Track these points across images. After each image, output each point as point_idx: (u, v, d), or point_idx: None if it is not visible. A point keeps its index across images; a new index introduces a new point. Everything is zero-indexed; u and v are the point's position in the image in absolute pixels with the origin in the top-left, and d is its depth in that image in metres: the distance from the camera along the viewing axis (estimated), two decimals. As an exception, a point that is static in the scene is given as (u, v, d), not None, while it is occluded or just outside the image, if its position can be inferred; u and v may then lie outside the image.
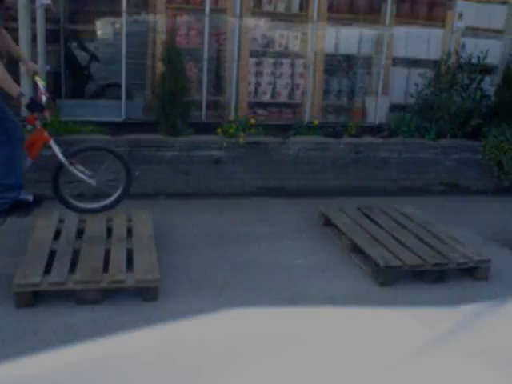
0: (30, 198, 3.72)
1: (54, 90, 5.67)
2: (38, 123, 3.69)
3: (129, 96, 5.75)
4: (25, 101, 3.52)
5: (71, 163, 3.81)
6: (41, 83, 3.81)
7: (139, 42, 5.73)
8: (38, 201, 3.78)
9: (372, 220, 4.75)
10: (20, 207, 3.65)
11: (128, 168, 4.03)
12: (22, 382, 0.95)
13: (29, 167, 3.78)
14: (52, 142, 3.74)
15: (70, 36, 6.22)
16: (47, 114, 3.71)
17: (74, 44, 6.29)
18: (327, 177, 5.87)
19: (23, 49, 5.30)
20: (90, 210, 4.12)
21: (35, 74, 3.86)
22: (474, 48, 6.37)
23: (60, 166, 3.80)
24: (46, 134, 3.74)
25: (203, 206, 5.29)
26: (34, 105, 3.57)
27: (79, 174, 3.85)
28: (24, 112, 3.98)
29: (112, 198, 4.08)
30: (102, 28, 6.34)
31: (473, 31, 6.63)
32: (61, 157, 3.75)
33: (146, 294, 3.47)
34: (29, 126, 3.88)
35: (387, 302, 3.68)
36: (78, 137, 5.21)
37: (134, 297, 3.49)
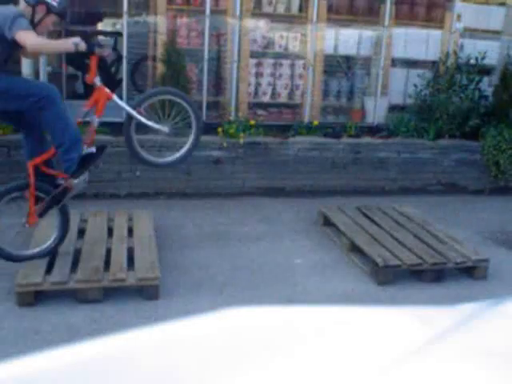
0: (93, 150, 3.66)
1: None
2: (97, 80, 3.61)
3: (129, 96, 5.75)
4: (83, 46, 3.46)
5: (139, 112, 3.70)
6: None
7: (140, 43, 5.73)
8: (102, 149, 3.74)
9: (371, 219, 4.76)
10: (87, 161, 3.62)
11: (196, 112, 3.90)
12: (24, 381, 0.95)
13: (98, 124, 3.73)
14: (115, 97, 3.69)
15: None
16: (106, 51, 3.73)
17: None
18: (326, 177, 5.87)
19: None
20: (165, 164, 4.04)
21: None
22: (473, 49, 6.37)
23: (130, 118, 3.73)
24: (107, 90, 3.66)
25: (203, 205, 5.29)
26: (90, 45, 3.50)
27: (149, 123, 3.74)
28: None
29: (184, 150, 3.96)
30: (104, 29, 6.34)
31: (471, 32, 6.63)
32: (128, 108, 3.70)
33: (147, 292, 3.48)
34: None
35: (386, 300, 3.69)
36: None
37: (134, 295, 3.49)
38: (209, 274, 3.91)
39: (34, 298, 3.33)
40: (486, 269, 4.15)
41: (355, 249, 4.32)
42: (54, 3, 3.44)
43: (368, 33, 6.34)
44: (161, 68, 5.48)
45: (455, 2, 6.44)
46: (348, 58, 6.48)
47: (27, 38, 3.28)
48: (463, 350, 1.03)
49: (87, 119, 3.65)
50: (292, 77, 6.23)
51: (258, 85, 6.14)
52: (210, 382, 0.96)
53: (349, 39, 6.30)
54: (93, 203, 5.01)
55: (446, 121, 6.15)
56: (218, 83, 6.14)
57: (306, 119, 6.17)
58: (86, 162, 3.59)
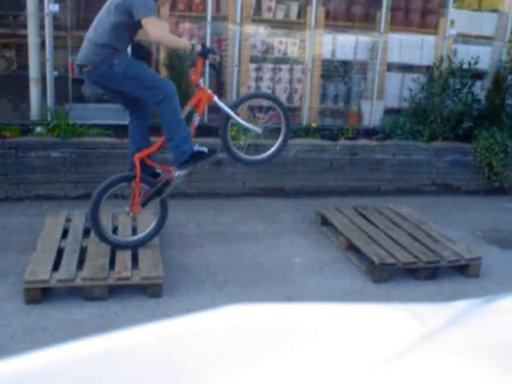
0: (205, 149, 3.79)
1: (62, 95, 5.66)
2: (201, 82, 3.81)
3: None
4: (199, 49, 3.64)
5: (236, 113, 3.88)
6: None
7: (143, 48, 5.72)
8: (213, 152, 3.87)
9: (367, 219, 4.76)
10: (196, 158, 3.75)
11: (287, 116, 4.07)
12: (31, 376, 0.95)
13: (198, 123, 3.89)
14: (216, 98, 3.84)
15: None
16: (217, 57, 3.90)
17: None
18: (324, 178, 5.87)
19: (32, 54, 5.32)
20: (255, 162, 4.25)
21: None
22: (466, 54, 6.37)
23: (227, 118, 3.88)
24: (209, 91, 3.85)
25: (205, 205, 5.29)
26: (206, 49, 3.71)
27: (245, 123, 3.94)
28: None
29: (273, 149, 4.18)
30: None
31: (464, 38, 6.63)
32: (227, 109, 3.83)
33: (151, 290, 3.48)
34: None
35: (381, 298, 3.69)
36: (86, 139, 5.22)
37: (139, 293, 3.49)
38: (210, 273, 3.91)
39: (41, 294, 3.33)
40: (479, 267, 4.15)
41: (352, 248, 4.32)
42: None
43: (364, 38, 6.34)
44: (163, 72, 5.48)
45: (449, 9, 6.44)
46: (345, 63, 6.48)
47: (154, 28, 3.40)
48: (457, 346, 1.03)
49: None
50: (291, 81, 6.23)
51: (257, 89, 6.14)
52: (210, 376, 0.96)
53: (346, 44, 6.30)
54: (98, 203, 5.01)
55: (440, 124, 6.15)
56: (219, 87, 6.14)
57: (305, 122, 6.17)
58: (195, 158, 3.73)
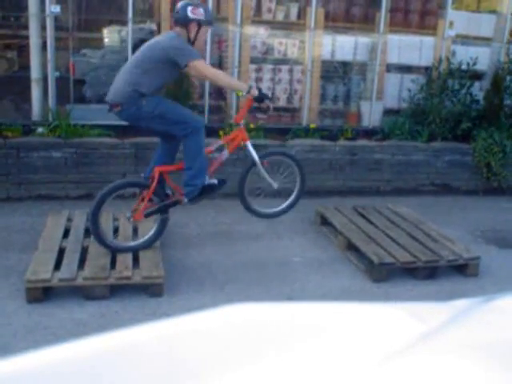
0: (215, 181, 3.90)
1: (63, 95, 5.67)
2: (242, 123, 3.99)
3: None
4: (255, 93, 3.76)
5: (262, 163, 4.03)
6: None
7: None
8: (223, 183, 3.98)
9: (366, 219, 4.76)
10: (207, 191, 3.85)
11: (303, 175, 4.27)
12: (33, 375, 0.95)
13: (225, 159, 4.06)
14: (248, 143, 4.00)
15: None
16: (270, 105, 4.01)
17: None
18: (324, 178, 5.87)
19: (34, 55, 5.32)
20: (267, 215, 4.39)
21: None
22: (464, 55, 6.37)
23: (252, 165, 4.05)
24: (246, 134, 4.01)
25: (205, 205, 5.28)
26: (262, 95, 3.85)
27: (266, 175, 4.08)
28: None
29: (286, 203, 4.35)
30: (109, 36, 6.34)
31: (463, 39, 6.63)
32: (256, 157, 3.99)
33: (152, 290, 3.48)
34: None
35: (380, 297, 3.69)
36: (87, 140, 5.22)
37: (139, 293, 3.49)
38: (210, 272, 3.91)
39: (43, 294, 3.33)
40: (477, 266, 4.15)
41: (351, 247, 4.32)
42: (202, 17, 3.65)
43: (364, 39, 6.34)
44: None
45: (447, 10, 6.44)
46: (344, 64, 6.49)
47: (206, 68, 3.66)
48: (455, 345, 1.03)
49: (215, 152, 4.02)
50: (290, 82, 6.23)
51: (257, 89, 6.14)
52: (211, 376, 0.96)
53: (345, 45, 6.31)
54: (99, 203, 5.01)
55: (439, 124, 6.15)
56: (219, 88, 6.14)
57: (304, 122, 6.17)
58: (205, 191, 3.83)
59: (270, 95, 3.88)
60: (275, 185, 4.14)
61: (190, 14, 3.60)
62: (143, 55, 3.63)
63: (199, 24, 3.64)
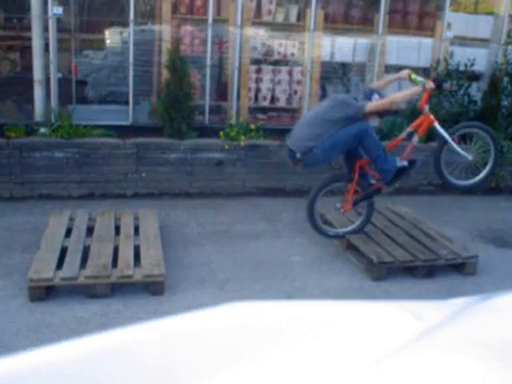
0: (405, 163, 4.13)
1: (65, 96, 5.67)
2: (426, 108, 4.09)
3: (135, 101, 5.75)
4: (431, 85, 3.97)
5: (453, 139, 4.11)
6: (418, 77, 4.13)
7: (146, 51, 5.73)
8: (414, 163, 4.17)
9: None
10: (400, 173, 4.09)
11: (496, 144, 4.34)
12: (36, 372, 0.95)
13: (417, 142, 4.22)
14: (436, 124, 4.11)
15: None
16: (449, 84, 4.29)
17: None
18: (323, 177, 5.85)
19: (36, 56, 5.31)
20: (464, 186, 4.49)
21: (408, 74, 4.17)
22: (462, 56, 6.37)
23: (443, 143, 4.13)
24: (432, 116, 4.12)
25: (206, 205, 5.29)
26: (440, 80, 4.11)
27: (459, 150, 4.13)
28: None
29: (481, 175, 4.41)
30: (111, 37, 6.34)
31: (461, 40, 6.62)
32: (445, 134, 4.08)
33: (153, 288, 3.48)
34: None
35: (380, 295, 3.69)
36: (89, 140, 5.22)
37: (141, 291, 3.49)
38: (211, 271, 3.90)
39: (45, 292, 3.33)
40: (476, 265, 4.15)
41: (351, 246, 4.32)
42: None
43: (363, 41, 6.33)
44: (165, 74, 5.48)
45: (445, 12, 6.44)
46: (344, 65, 6.48)
47: (380, 103, 3.94)
48: (454, 343, 1.03)
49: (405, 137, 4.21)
50: (290, 82, 6.22)
51: (257, 90, 6.14)
52: (211, 373, 0.96)
53: (344, 47, 6.30)
54: (101, 203, 5.02)
55: (437, 124, 6.14)
56: (219, 88, 6.14)
57: (304, 123, 6.16)
58: (399, 173, 4.08)
59: (423, 80, 4.09)
60: (470, 157, 4.20)
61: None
62: (325, 114, 3.99)
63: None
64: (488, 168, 4.42)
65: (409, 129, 4.19)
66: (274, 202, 5.54)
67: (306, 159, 4.01)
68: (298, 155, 3.99)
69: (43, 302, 3.29)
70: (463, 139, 4.52)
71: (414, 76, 4.12)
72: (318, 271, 4.02)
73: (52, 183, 5.17)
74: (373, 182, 4.22)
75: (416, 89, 4.03)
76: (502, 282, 3.99)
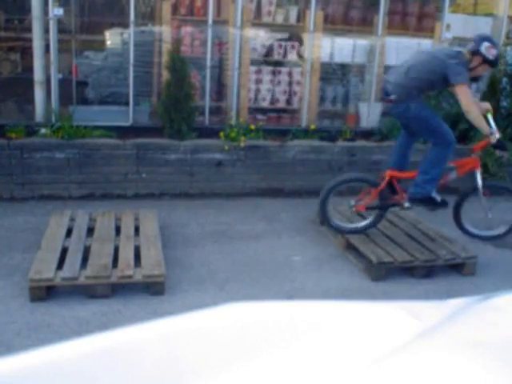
0: (439, 198, 4.06)
1: (66, 97, 5.67)
2: (477, 153, 4.17)
3: (136, 102, 5.75)
4: (493, 139, 3.93)
5: (484, 193, 4.16)
6: (492, 121, 4.07)
7: (146, 52, 5.73)
8: (444, 204, 4.11)
9: (365, 219, 4.74)
10: (429, 202, 4.05)
11: None
12: (36, 371, 0.95)
13: (452, 179, 4.22)
14: (479, 171, 4.13)
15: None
16: (505, 155, 4.18)
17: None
18: (323, 178, 5.84)
19: (37, 57, 5.31)
20: (483, 237, 4.52)
21: (487, 110, 4.13)
22: (461, 57, 6.36)
23: (473, 191, 4.21)
24: (478, 163, 4.14)
25: (206, 205, 5.29)
26: (500, 144, 3.99)
27: (485, 204, 4.19)
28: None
29: (506, 228, 4.47)
30: (111, 38, 6.34)
31: (460, 41, 6.62)
32: (480, 184, 4.12)
33: (153, 288, 3.48)
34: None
35: (379, 295, 3.69)
36: (90, 140, 5.22)
37: (141, 291, 3.49)
38: (211, 271, 3.90)
39: (46, 293, 3.33)
40: (474, 265, 4.15)
41: (350, 247, 4.32)
42: (490, 56, 3.82)
43: (362, 42, 6.34)
44: (166, 75, 5.49)
45: (444, 13, 6.44)
46: (343, 66, 6.48)
47: (467, 98, 3.77)
48: (453, 343, 1.03)
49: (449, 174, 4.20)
50: (290, 83, 6.23)
51: (257, 91, 6.14)
52: (211, 373, 0.96)
53: (344, 48, 6.30)
54: (101, 203, 5.02)
55: (437, 125, 6.14)
56: (219, 89, 6.15)
57: (304, 124, 6.17)
58: (428, 201, 4.05)
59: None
60: (490, 214, 4.22)
61: (482, 49, 3.83)
62: (419, 61, 3.90)
63: (484, 60, 3.84)
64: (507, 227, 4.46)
65: (451, 164, 4.15)
66: (274, 202, 5.54)
67: (398, 110, 3.94)
68: (393, 97, 3.92)
69: (44, 302, 3.29)
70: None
71: (489, 116, 4.09)
72: (317, 271, 4.02)
73: (52, 184, 5.17)
74: (395, 195, 4.19)
75: (485, 129, 3.91)
76: (501, 283, 3.99)
